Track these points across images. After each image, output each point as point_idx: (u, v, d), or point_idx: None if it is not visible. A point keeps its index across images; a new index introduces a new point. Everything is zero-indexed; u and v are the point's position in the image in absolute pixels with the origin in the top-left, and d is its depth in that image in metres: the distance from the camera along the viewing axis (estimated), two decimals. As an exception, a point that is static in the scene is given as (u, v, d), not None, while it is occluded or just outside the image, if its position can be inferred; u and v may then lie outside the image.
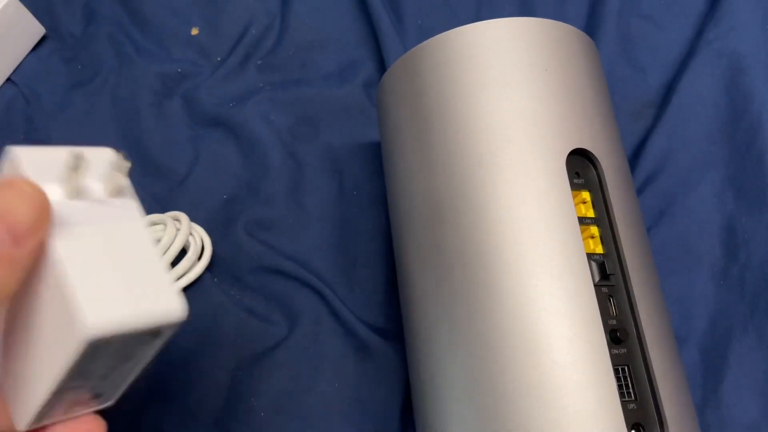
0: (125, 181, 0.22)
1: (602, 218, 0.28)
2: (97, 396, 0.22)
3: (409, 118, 0.31)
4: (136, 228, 0.21)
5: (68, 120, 0.41)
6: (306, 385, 0.34)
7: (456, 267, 0.27)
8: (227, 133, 0.41)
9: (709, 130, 0.39)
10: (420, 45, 0.31)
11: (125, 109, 0.42)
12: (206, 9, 0.45)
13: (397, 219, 0.32)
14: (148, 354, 0.21)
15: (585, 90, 0.30)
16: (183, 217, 0.37)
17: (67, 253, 0.19)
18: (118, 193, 0.22)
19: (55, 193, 0.20)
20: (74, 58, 0.43)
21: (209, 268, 0.37)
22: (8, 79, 0.43)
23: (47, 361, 0.19)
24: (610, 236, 0.28)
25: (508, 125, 0.28)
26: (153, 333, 0.20)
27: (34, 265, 0.19)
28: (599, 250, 0.27)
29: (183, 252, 0.36)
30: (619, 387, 0.24)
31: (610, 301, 0.26)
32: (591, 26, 0.43)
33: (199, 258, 0.36)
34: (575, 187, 0.28)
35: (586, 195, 0.28)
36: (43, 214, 0.18)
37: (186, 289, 0.36)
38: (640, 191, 0.38)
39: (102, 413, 0.22)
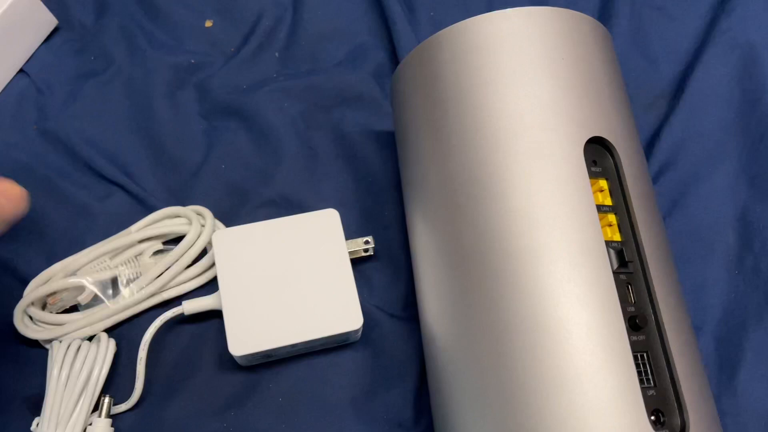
0: None
1: (620, 206, 0.28)
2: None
3: (425, 108, 0.31)
4: None
5: (80, 111, 0.41)
6: (322, 372, 0.34)
7: (474, 254, 0.27)
8: (240, 122, 0.41)
9: (722, 120, 0.39)
10: (436, 35, 0.31)
11: (138, 100, 0.42)
12: (218, 0, 0.45)
13: (412, 206, 0.32)
14: None
15: (601, 79, 0.30)
16: (207, 213, 0.37)
17: None
18: None
19: None
20: (86, 50, 0.43)
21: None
22: (21, 70, 0.43)
23: None
24: (627, 224, 0.28)
25: (526, 114, 0.28)
26: None
27: None
28: (617, 237, 0.27)
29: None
30: (639, 373, 0.25)
31: (628, 288, 0.26)
32: (603, 17, 0.43)
33: None
34: (593, 175, 0.28)
35: (603, 183, 0.28)
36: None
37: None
38: (654, 181, 0.38)
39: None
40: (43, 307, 0.35)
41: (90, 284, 0.34)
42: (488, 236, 0.27)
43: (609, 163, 0.29)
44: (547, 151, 0.27)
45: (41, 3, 0.42)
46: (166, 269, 0.35)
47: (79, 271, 0.35)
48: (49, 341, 0.34)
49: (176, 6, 0.44)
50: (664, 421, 0.24)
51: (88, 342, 0.33)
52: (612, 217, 0.28)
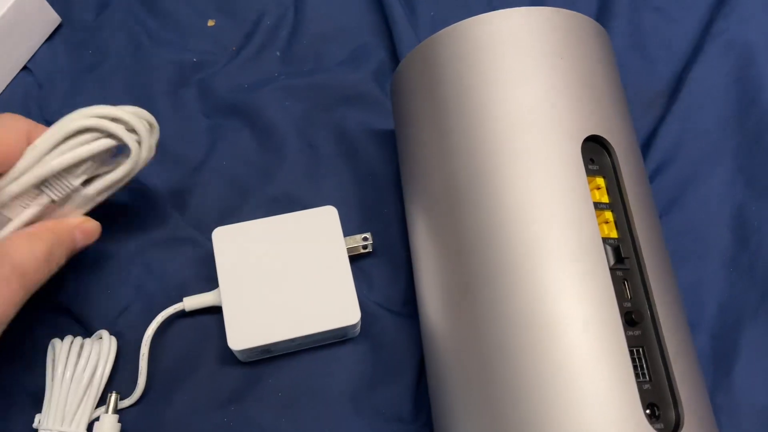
0: None
1: (616, 203, 0.28)
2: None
3: (425, 107, 0.31)
4: None
5: (83, 107, 0.42)
6: (322, 368, 0.35)
7: (472, 251, 0.27)
8: (242, 120, 0.41)
9: (720, 120, 0.40)
10: (436, 34, 0.31)
11: (139, 98, 0.42)
12: (220, -1, 0.45)
13: (413, 204, 0.32)
14: None
15: (599, 78, 0.30)
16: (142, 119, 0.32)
17: None
18: None
19: None
20: (89, 47, 0.44)
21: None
22: (25, 67, 0.43)
23: None
24: (624, 221, 0.28)
25: (525, 112, 0.28)
26: None
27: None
28: (614, 234, 0.28)
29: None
30: (634, 368, 0.25)
31: (624, 284, 0.27)
32: (602, 18, 0.43)
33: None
34: (590, 173, 0.28)
35: (600, 181, 0.29)
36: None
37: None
38: (651, 180, 0.38)
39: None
40: None
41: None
42: (487, 233, 0.27)
43: (606, 162, 0.29)
44: (545, 149, 0.28)
45: (45, 1, 0.42)
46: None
47: None
48: None
49: (179, 4, 0.45)
50: (659, 415, 0.25)
51: (89, 340, 0.34)
52: (609, 215, 0.28)
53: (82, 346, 0.33)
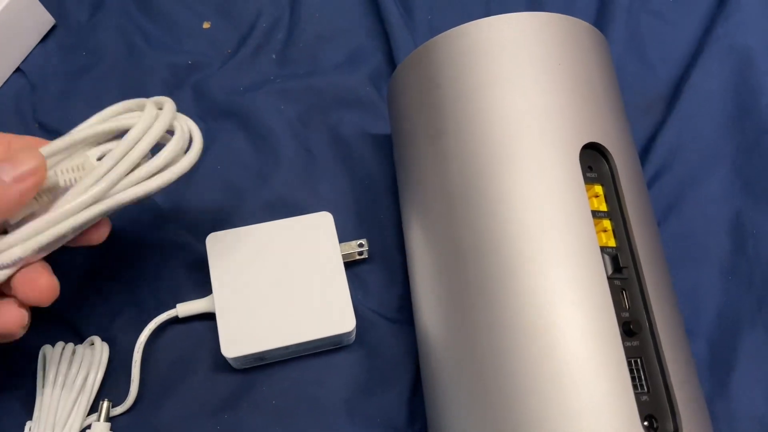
0: None
1: (615, 212, 0.28)
2: None
3: (422, 112, 0.31)
4: None
5: (76, 109, 0.41)
6: (316, 375, 0.34)
7: (469, 259, 0.27)
8: (237, 124, 0.41)
9: (718, 125, 0.39)
10: (434, 39, 0.31)
11: (134, 98, 0.42)
12: (216, 1, 0.45)
13: (409, 209, 0.32)
14: None
15: (597, 84, 0.30)
16: (167, 101, 0.30)
17: None
18: None
19: None
20: (83, 48, 0.43)
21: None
22: (18, 69, 0.43)
23: None
24: (622, 230, 0.28)
25: (523, 119, 0.28)
26: None
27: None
28: (612, 243, 0.27)
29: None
30: (632, 379, 0.25)
31: (622, 293, 0.27)
32: (600, 22, 0.43)
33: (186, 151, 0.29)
34: (588, 180, 0.28)
35: (598, 189, 0.28)
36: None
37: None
38: (649, 185, 0.38)
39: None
40: None
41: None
42: (484, 240, 0.27)
43: (604, 169, 0.29)
44: (543, 156, 0.27)
45: (39, 2, 0.42)
46: (114, 165, 0.27)
47: None
48: None
49: (174, 6, 0.44)
50: (657, 427, 0.24)
51: (81, 346, 0.33)
52: (607, 223, 0.28)
53: (73, 353, 0.33)
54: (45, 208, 0.27)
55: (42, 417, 0.31)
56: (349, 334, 0.33)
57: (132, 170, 0.27)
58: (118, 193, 0.27)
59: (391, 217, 0.38)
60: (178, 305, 0.34)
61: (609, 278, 0.26)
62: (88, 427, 0.32)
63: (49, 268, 0.28)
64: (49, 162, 0.27)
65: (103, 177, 0.27)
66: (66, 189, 0.27)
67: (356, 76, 0.42)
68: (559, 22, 0.30)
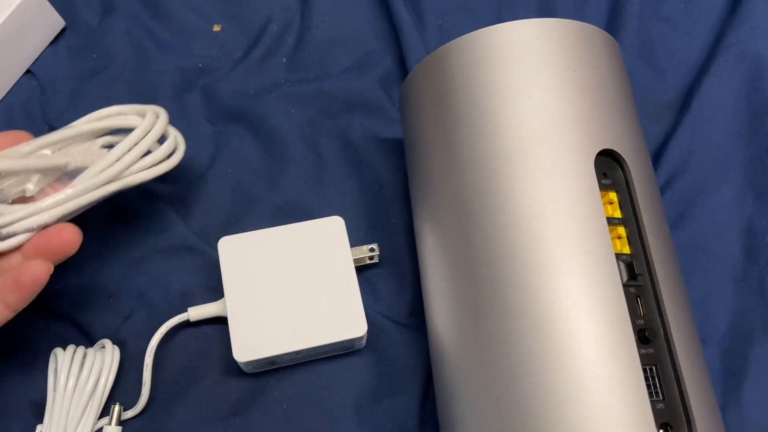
0: None
1: (629, 219, 0.28)
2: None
3: (435, 117, 0.31)
4: None
5: (86, 111, 0.41)
6: (327, 380, 0.34)
7: (483, 266, 0.27)
8: (247, 127, 0.41)
9: (730, 132, 0.39)
10: (446, 45, 0.31)
11: (143, 103, 0.41)
12: (226, 4, 0.45)
13: (421, 215, 0.32)
14: None
15: (612, 91, 0.30)
16: (161, 111, 0.34)
17: None
18: None
19: None
20: (93, 51, 0.43)
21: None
22: (28, 71, 0.43)
23: None
24: (637, 237, 0.28)
25: (537, 125, 0.28)
26: None
27: None
28: (626, 250, 0.27)
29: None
30: (648, 386, 0.25)
31: (637, 301, 0.27)
32: (611, 29, 0.43)
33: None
34: (602, 187, 0.28)
35: (613, 195, 0.28)
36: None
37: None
38: (660, 193, 0.38)
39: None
40: None
41: (38, 167, 0.30)
42: (497, 247, 0.27)
43: (619, 176, 0.29)
44: (557, 163, 0.27)
45: (49, 4, 0.42)
46: (124, 154, 0.32)
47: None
48: None
49: (184, 9, 0.44)
50: (672, 435, 0.24)
51: (92, 349, 0.33)
52: (621, 230, 0.28)
53: (84, 356, 0.33)
54: (52, 183, 0.31)
55: (53, 420, 0.31)
56: (360, 338, 0.33)
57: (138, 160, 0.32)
58: (128, 176, 0.32)
59: (401, 222, 0.38)
60: (189, 309, 0.34)
61: (624, 285, 0.26)
62: (100, 430, 0.32)
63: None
64: (52, 148, 0.31)
65: (117, 161, 0.32)
66: (78, 169, 0.31)
67: (366, 81, 0.42)
68: (573, 28, 0.30)
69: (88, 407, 0.32)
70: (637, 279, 0.27)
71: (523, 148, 0.28)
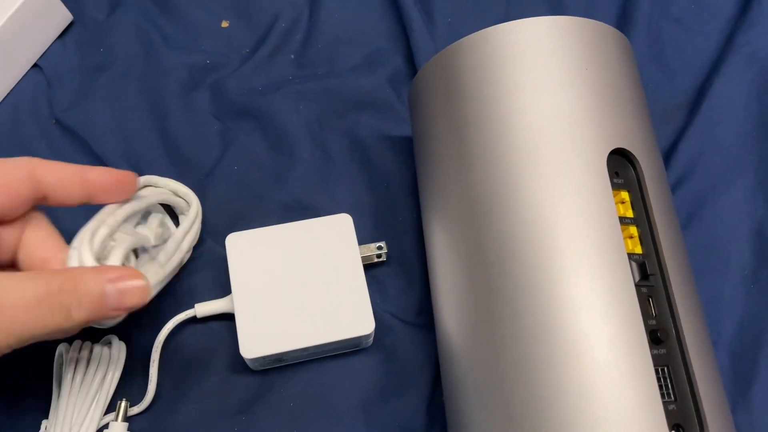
0: None
1: (641, 218, 0.28)
2: None
3: (445, 116, 0.31)
4: None
5: (93, 108, 0.41)
6: (334, 378, 0.34)
7: (494, 265, 0.27)
8: (255, 124, 0.41)
9: (740, 133, 0.39)
10: (456, 43, 0.31)
11: (151, 99, 0.41)
12: (235, 0, 0.45)
13: (431, 214, 0.32)
14: None
15: (624, 89, 0.30)
16: (195, 199, 0.36)
17: None
18: None
19: None
20: (100, 46, 0.43)
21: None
22: (35, 65, 0.43)
23: None
24: (649, 236, 0.28)
25: (549, 124, 0.28)
26: None
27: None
28: (638, 250, 0.27)
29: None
30: (660, 387, 0.24)
31: (649, 301, 0.26)
32: (621, 28, 0.43)
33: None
34: (615, 186, 0.28)
35: (625, 195, 0.28)
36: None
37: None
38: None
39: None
40: None
41: (135, 244, 0.31)
42: (509, 247, 0.27)
43: (631, 175, 0.29)
44: (570, 161, 0.27)
45: (57, -2, 0.42)
46: (186, 233, 0.35)
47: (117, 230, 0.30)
48: None
49: (192, 5, 0.44)
50: (685, 436, 0.24)
51: (98, 345, 0.33)
52: (633, 230, 0.28)
53: (91, 352, 0.33)
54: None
55: (59, 416, 0.31)
56: (367, 336, 0.33)
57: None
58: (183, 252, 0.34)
59: (409, 220, 0.38)
60: (196, 305, 0.34)
61: (636, 285, 0.26)
62: (106, 426, 0.32)
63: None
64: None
65: (184, 237, 0.35)
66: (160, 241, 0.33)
67: (375, 78, 0.42)
68: (584, 26, 0.30)
69: (94, 403, 0.32)
70: (649, 279, 0.27)
71: (534, 146, 0.28)
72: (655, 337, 0.25)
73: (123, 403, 0.32)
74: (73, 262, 0.27)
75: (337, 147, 0.40)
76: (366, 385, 0.34)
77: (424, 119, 0.33)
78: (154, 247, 0.33)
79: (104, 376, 0.32)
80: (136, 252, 0.32)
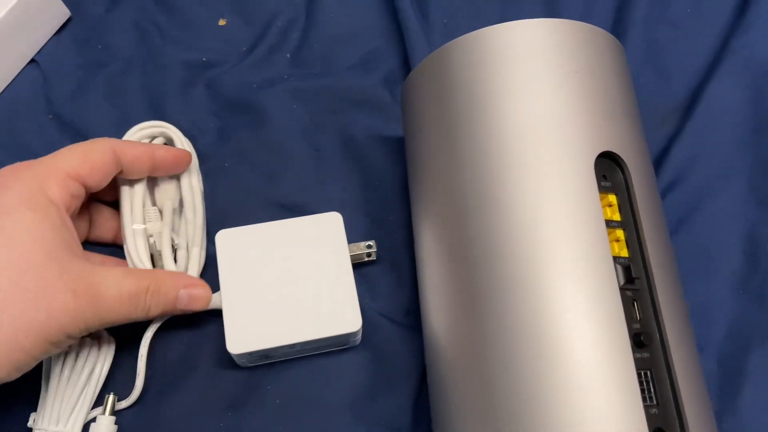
0: None
1: (628, 222, 0.28)
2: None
3: (436, 116, 0.31)
4: None
5: (90, 102, 0.41)
6: (321, 376, 0.34)
7: (482, 265, 0.27)
8: (250, 121, 0.41)
9: (734, 138, 0.39)
10: (449, 43, 0.31)
11: (148, 95, 0.42)
12: (233, -2, 0.45)
13: (420, 213, 0.32)
14: None
15: (614, 93, 0.30)
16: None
17: None
18: None
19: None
20: (97, 42, 0.43)
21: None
22: (32, 60, 0.43)
23: None
24: (635, 240, 0.28)
25: (538, 126, 0.28)
26: None
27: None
28: (624, 253, 0.27)
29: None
30: (642, 391, 0.24)
31: (634, 304, 0.26)
32: (617, 31, 0.43)
33: None
34: (602, 189, 0.28)
35: (612, 198, 0.28)
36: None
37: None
38: (662, 197, 0.38)
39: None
40: None
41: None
42: (495, 248, 0.27)
43: (619, 178, 0.29)
44: (557, 164, 0.27)
45: (55, -6, 0.42)
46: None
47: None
48: None
49: (190, 2, 0.44)
50: (665, 441, 0.24)
51: (88, 339, 0.33)
52: (620, 233, 0.28)
53: (80, 345, 0.33)
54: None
55: (47, 409, 0.31)
56: (355, 334, 0.33)
57: None
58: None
59: (400, 219, 0.38)
60: (185, 301, 0.34)
61: (621, 289, 0.26)
62: (93, 420, 0.32)
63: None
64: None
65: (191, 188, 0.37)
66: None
67: (370, 78, 0.42)
68: (576, 29, 0.30)
69: (82, 396, 0.32)
70: (634, 282, 0.27)
71: (522, 148, 0.28)
72: (638, 341, 0.25)
73: (110, 397, 0.32)
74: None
75: (330, 146, 0.40)
76: (353, 383, 0.34)
77: (415, 119, 0.33)
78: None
79: (92, 370, 0.32)
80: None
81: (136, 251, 0.34)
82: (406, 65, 0.42)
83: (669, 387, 0.25)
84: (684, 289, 0.32)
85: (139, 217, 0.35)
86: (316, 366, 0.34)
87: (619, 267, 0.27)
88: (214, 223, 0.37)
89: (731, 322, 0.35)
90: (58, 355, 0.32)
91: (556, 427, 0.24)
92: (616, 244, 0.27)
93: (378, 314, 0.36)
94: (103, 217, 0.35)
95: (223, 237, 0.34)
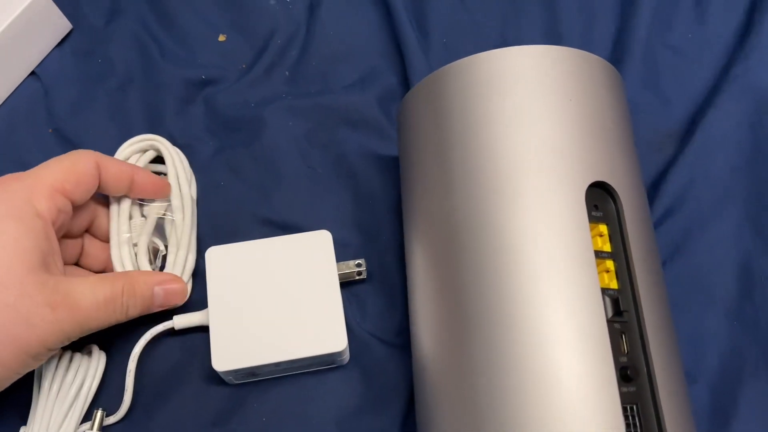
0: None
1: (618, 253, 0.28)
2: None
3: (431, 138, 0.31)
4: None
5: (90, 117, 0.42)
6: (309, 394, 0.34)
7: (469, 292, 0.27)
8: (245, 139, 0.41)
9: (731, 166, 0.39)
10: (445, 67, 0.31)
11: (146, 108, 0.42)
12: (233, 15, 0.45)
13: (412, 235, 0.32)
14: None
15: (608, 122, 0.30)
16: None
17: None
18: None
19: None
20: (98, 55, 0.44)
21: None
22: (32, 73, 0.43)
23: None
24: (625, 271, 0.27)
25: (530, 154, 0.28)
26: None
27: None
28: (614, 285, 0.27)
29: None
30: (627, 426, 0.24)
31: (622, 337, 0.26)
32: (617, 54, 0.42)
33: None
34: (593, 219, 0.28)
35: (603, 228, 0.28)
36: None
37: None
38: (657, 224, 0.37)
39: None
40: None
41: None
42: (484, 275, 0.27)
43: (611, 208, 0.28)
44: (548, 193, 0.27)
45: (56, 6, 0.42)
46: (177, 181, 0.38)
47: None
48: None
49: (190, 18, 0.45)
50: (649, 478, 0.24)
51: (79, 354, 0.33)
52: (610, 264, 0.27)
53: (71, 360, 0.33)
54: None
55: (36, 423, 0.32)
56: (341, 354, 0.33)
57: None
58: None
59: (392, 239, 0.38)
60: (174, 317, 0.34)
61: (609, 321, 0.26)
62: (81, 434, 0.32)
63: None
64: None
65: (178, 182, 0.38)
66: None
67: (367, 97, 0.42)
68: (573, 56, 0.30)
69: (71, 411, 0.32)
70: (622, 315, 0.26)
71: (515, 176, 0.28)
72: (624, 375, 0.25)
73: (99, 413, 0.33)
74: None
75: (325, 164, 0.40)
76: (341, 402, 0.34)
77: (410, 141, 0.33)
78: (164, 215, 0.37)
79: (81, 385, 0.32)
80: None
81: (120, 260, 0.35)
82: (405, 84, 0.42)
83: (655, 421, 0.25)
84: (677, 318, 0.32)
85: (125, 227, 0.35)
86: (303, 384, 0.34)
87: (607, 299, 0.26)
88: (207, 240, 0.37)
89: (724, 353, 0.34)
90: (49, 369, 0.32)
91: (540, 460, 0.23)
92: (605, 275, 0.27)
93: (368, 334, 0.36)
94: (95, 248, 0.36)
95: (212, 254, 0.34)
